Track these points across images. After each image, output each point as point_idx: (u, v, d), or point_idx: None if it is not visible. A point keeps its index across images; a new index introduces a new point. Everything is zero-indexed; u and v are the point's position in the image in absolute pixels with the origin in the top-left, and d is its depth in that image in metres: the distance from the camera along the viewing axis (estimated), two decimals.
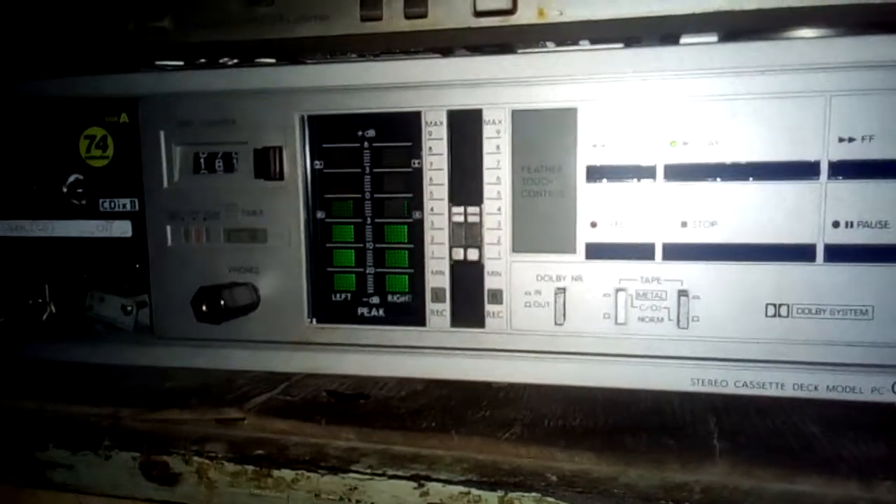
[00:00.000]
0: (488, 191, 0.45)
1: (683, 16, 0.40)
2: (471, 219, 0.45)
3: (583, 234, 0.44)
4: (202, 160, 0.49)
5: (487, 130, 0.44)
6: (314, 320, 0.49)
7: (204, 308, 0.45)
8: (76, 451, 0.40)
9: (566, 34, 0.45)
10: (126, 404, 0.44)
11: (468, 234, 0.46)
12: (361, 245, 0.47)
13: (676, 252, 0.43)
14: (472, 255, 0.46)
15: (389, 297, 0.48)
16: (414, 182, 0.46)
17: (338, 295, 0.48)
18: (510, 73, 0.43)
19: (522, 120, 0.44)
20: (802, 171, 0.41)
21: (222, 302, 0.45)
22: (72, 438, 0.41)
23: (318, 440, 0.40)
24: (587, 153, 0.43)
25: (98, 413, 0.43)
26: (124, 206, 0.51)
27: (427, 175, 0.46)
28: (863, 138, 0.40)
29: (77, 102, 0.51)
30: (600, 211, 0.44)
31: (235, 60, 0.51)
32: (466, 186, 0.45)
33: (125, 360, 0.51)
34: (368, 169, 0.47)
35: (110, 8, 0.47)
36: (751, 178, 0.41)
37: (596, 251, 0.44)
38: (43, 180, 0.52)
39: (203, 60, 0.51)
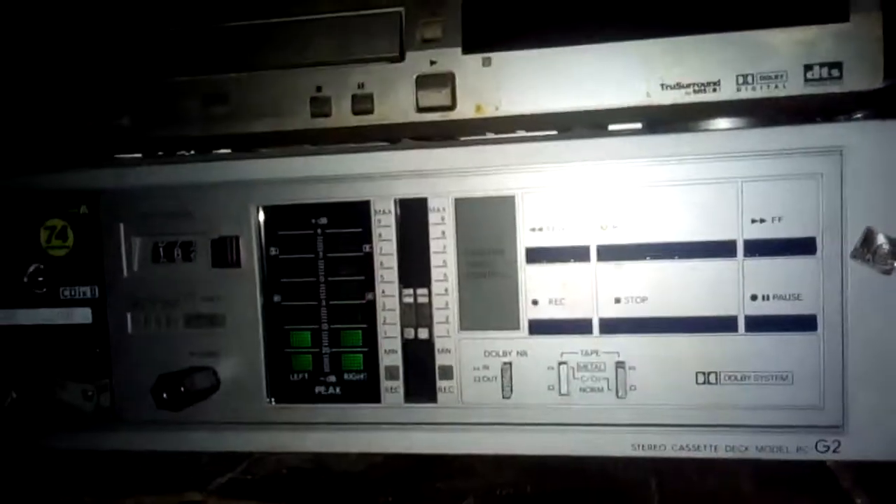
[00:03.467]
0: (436, 273, 0.47)
1: (607, 110, 0.44)
2: (420, 300, 0.48)
3: (525, 312, 0.47)
4: (161, 250, 0.51)
5: (433, 217, 0.47)
6: (273, 400, 0.50)
7: (164, 396, 0.46)
8: None
9: (502, 126, 0.48)
10: (88, 491, 0.45)
11: (418, 314, 0.48)
12: (317, 326, 0.49)
13: (612, 326, 0.46)
14: (423, 333, 0.48)
15: (345, 376, 0.49)
16: (365, 266, 0.48)
17: (295, 375, 0.50)
18: (452, 164, 0.46)
19: (465, 207, 0.47)
20: (721, 249, 0.44)
21: (182, 389, 0.46)
22: None
23: None
24: (526, 236, 0.46)
25: (60, 502, 0.44)
26: (84, 293, 0.52)
27: (378, 259, 0.48)
28: (773, 219, 0.43)
29: (38, 195, 0.52)
30: (541, 290, 0.46)
31: (193, 152, 0.53)
32: (415, 269, 0.48)
33: (87, 445, 0.52)
34: (322, 254, 0.49)
35: (71, 108, 0.50)
36: (676, 257, 0.45)
37: (538, 327, 0.47)
38: (3, 270, 0.54)
39: (161, 153, 0.53)
